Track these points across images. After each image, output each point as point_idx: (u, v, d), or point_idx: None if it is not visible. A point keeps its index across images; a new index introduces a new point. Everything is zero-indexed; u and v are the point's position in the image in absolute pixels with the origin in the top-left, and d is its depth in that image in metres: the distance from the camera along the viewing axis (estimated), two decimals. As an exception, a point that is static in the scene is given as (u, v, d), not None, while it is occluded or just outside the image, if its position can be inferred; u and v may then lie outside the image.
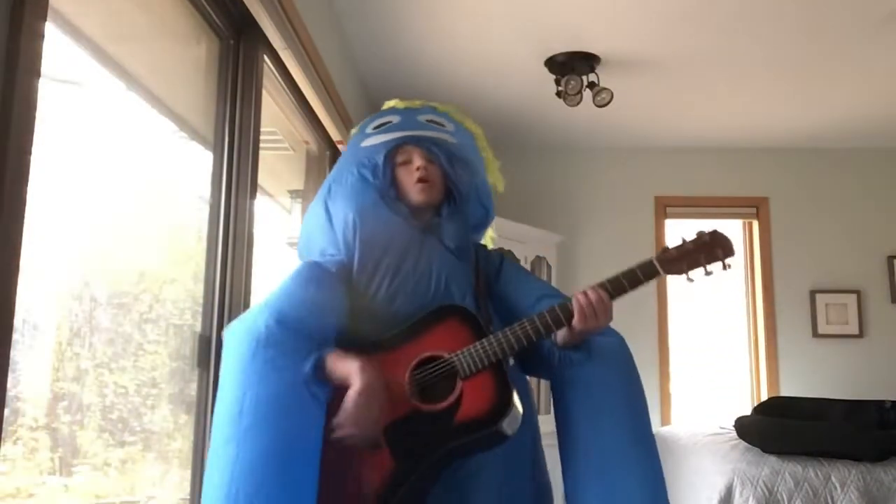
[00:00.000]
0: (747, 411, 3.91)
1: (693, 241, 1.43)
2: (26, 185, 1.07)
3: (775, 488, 3.13)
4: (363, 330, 1.43)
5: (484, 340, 1.36)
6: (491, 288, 1.58)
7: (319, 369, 1.32)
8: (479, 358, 1.35)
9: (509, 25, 3.13)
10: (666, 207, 4.76)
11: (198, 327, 1.90)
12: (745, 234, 4.86)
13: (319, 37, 2.57)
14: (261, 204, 2.16)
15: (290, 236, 3.24)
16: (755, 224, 4.74)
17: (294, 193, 3.29)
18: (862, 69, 3.55)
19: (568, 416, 1.46)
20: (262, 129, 2.17)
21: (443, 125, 1.65)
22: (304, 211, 3.25)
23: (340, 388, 1.32)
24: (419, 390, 1.36)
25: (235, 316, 1.95)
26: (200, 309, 1.91)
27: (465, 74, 3.61)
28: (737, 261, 4.87)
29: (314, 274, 1.46)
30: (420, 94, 3.90)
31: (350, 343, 1.40)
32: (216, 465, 1.25)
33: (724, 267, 1.42)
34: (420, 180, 1.52)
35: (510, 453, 1.41)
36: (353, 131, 1.74)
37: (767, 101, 4.01)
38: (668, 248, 1.44)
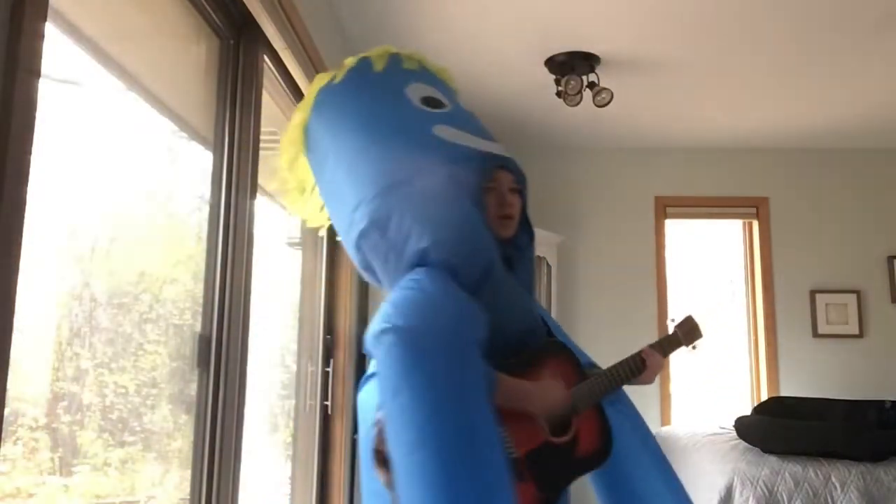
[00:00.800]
0: (747, 411, 3.92)
1: (687, 321, 1.64)
2: (26, 185, 1.07)
3: (775, 488, 3.13)
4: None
5: (593, 380, 1.43)
6: None
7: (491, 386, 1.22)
8: (592, 396, 1.41)
9: (509, 25, 3.13)
10: (666, 207, 4.77)
11: (198, 327, 1.90)
12: (745, 234, 4.87)
13: (319, 37, 2.57)
14: (261, 204, 2.15)
15: (290, 236, 3.23)
16: (755, 224, 4.74)
17: (294, 193, 3.29)
18: (861, 70, 3.55)
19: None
20: (262, 129, 2.17)
21: (476, 118, 1.57)
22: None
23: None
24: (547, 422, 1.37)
25: (235, 316, 1.95)
26: (200, 309, 1.91)
27: (466, 75, 3.61)
28: (737, 261, 4.87)
29: (450, 283, 1.28)
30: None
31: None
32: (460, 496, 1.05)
33: (693, 348, 1.68)
34: (507, 216, 1.41)
35: None
36: (360, 65, 1.55)
37: (767, 102, 4.01)
38: (679, 324, 1.65)
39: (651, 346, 1.58)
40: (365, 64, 1.57)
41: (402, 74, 1.55)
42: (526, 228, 1.50)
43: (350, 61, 1.59)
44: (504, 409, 1.25)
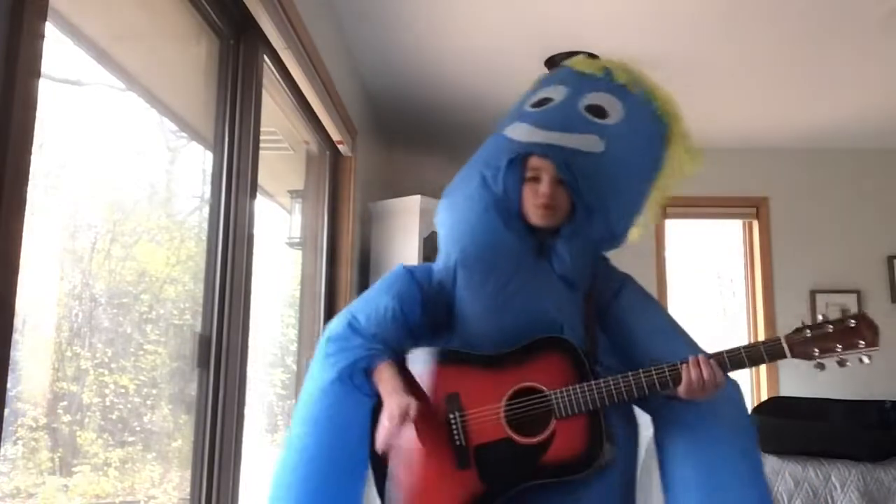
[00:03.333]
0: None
1: (834, 323, 1.31)
2: (26, 185, 1.06)
3: (775, 488, 3.13)
4: (467, 339, 1.44)
5: (585, 385, 1.33)
6: (604, 311, 1.50)
7: (368, 372, 1.42)
8: (578, 402, 1.32)
9: (509, 25, 3.13)
10: (666, 207, 4.75)
11: (198, 327, 1.90)
12: (745, 234, 4.86)
13: (319, 37, 2.57)
14: (261, 204, 2.15)
15: (290, 236, 3.23)
16: (755, 224, 4.74)
17: (294, 193, 3.29)
18: (862, 69, 3.55)
19: (668, 454, 1.43)
20: (262, 129, 2.17)
21: (605, 114, 1.56)
22: (304, 211, 3.25)
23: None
24: (513, 419, 1.35)
25: (235, 316, 1.95)
26: (200, 309, 1.91)
27: (465, 74, 3.61)
28: (737, 261, 4.87)
29: (398, 284, 1.50)
30: (419, 95, 3.91)
31: (448, 349, 1.44)
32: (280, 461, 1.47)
33: (862, 360, 1.27)
34: (543, 206, 1.43)
35: (603, 493, 1.38)
36: (523, 95, 1.66)
37: (767, 101, 4.01)
38: (802, 327, 1.35)
39: (718, 354, 1.37)
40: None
41: (554, 79, 1.64)
42: (582, 217, 1.45)
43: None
44: (470, 400, 1.37)
